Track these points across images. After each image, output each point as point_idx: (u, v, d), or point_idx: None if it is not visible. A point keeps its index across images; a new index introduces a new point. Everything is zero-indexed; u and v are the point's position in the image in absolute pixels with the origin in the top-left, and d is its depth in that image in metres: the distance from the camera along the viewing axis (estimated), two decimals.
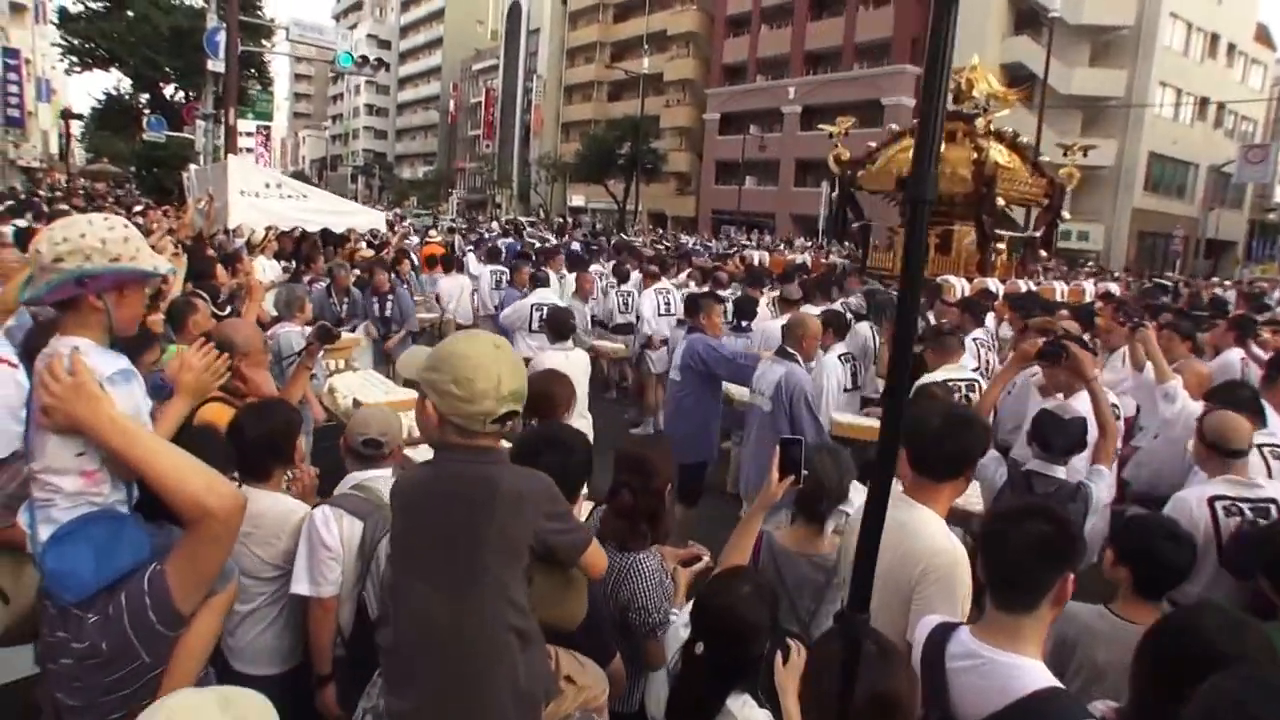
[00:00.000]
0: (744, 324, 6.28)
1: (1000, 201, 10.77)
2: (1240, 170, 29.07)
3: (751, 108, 41.91)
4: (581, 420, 5.91)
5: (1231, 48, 34.39)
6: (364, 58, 18.15)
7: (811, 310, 5.57)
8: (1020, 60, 32.51)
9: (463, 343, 1.70)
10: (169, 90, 28.66)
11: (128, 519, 1.58)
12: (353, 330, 6.96)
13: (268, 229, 9.14)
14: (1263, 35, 36.49)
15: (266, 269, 7.66)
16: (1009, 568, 1.63)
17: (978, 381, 4.38)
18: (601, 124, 49.49)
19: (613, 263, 10.78)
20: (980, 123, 10.91)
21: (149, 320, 3.72)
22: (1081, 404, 3.32)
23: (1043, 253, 12.61)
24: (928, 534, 2.02)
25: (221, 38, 15.05)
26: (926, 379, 4.25)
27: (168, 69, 26.81)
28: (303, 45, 19.10)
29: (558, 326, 5.08)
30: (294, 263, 8.62)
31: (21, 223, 8.08)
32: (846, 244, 16.67)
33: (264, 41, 22.00)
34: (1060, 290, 10.48)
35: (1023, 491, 2.91)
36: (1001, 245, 11.58)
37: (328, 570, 2.34)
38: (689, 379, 4.82)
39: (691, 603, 1.95)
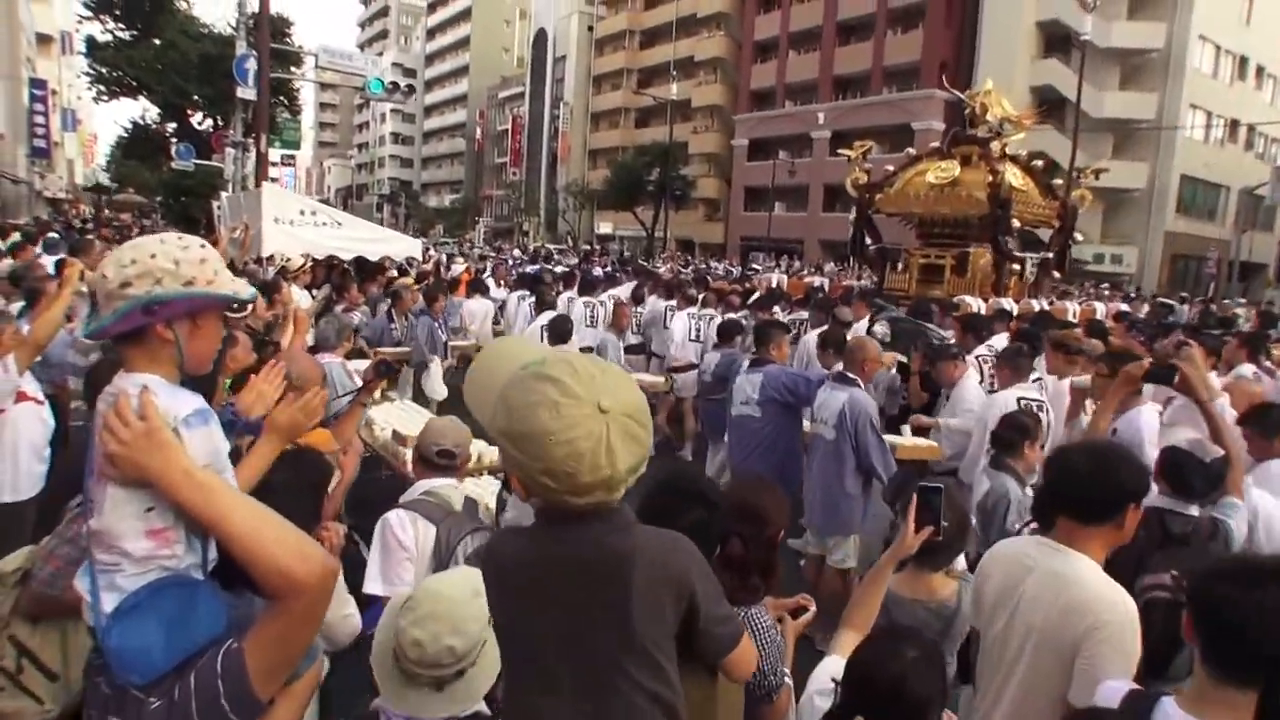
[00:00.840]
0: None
1: (1015, 223, 11.07)
2: (1274, 191, 29.46)
3: (780, 133, 42.90)
4: None
5: (1260, 70, 34.96)
6: (394, 84, 18.08)
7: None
8: (1050, 83, 33.29)
9: (546, 411, 1.23)
10: (197, 118, 28.76)
11: (202, 586, 1.37)
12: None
13: (303, 257, 9.11)
14: None
15: (299, 299, 7.38)
16: (1248, 638, 1.41)
17: (1045, 402, 4.50)
18: (629, 151, 50.03)
19: (631, 285, 11.13)
20: (995, 146, 11.20)
21: None
22: (1144, 421, 3.64)
23: (1056, 274, 13.01)
24: (1093, 584, 1.88)
25: (251, 65, 15.12)
26: (1000, 396, 4.45)
27: (196, 97, 27.02)
28: (332, 72, 19.30)
29: (558, 331, 6.33)
30: (330, 291, 8.48)
31: (49, 260, 8.15)
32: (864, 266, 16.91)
33: (292, 69, 21.50)
34: (1072, 310, 10.69)
35: (1155, 532, 2.65)
36: (1017, 266, 11.81)
37: (403, 570, 2.38)
38: (770, 412, 4.70)
39: (830, 666, 1.83)
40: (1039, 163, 12.57)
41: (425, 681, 1.66)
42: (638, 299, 9.67)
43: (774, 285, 13.56)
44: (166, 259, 1.37)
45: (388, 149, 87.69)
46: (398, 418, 5.12)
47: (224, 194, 14.84)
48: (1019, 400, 4.36)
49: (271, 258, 9.09)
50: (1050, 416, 4.49)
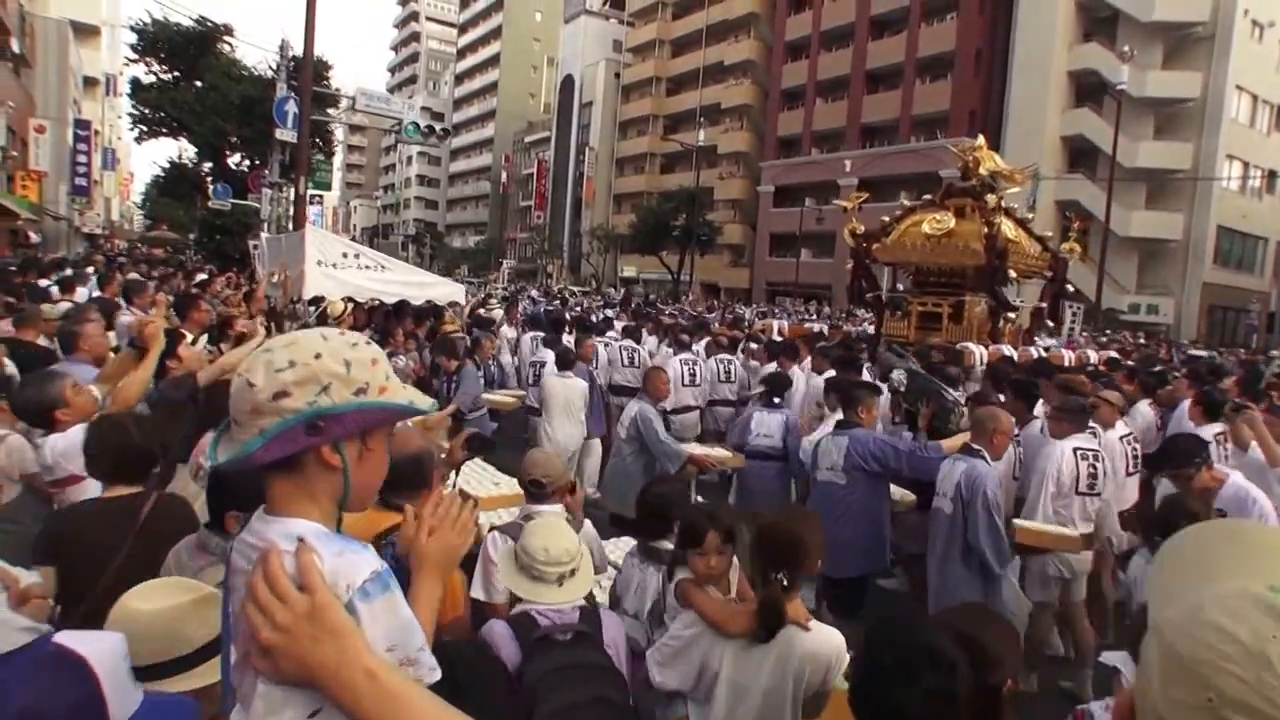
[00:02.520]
0: (776, 399, 5.99)
1: (1011, 273, 11.48)
2: None
3: (806, 180, 43.39)
4: (577, 427, 7.23)
5: None
6: (430, 127, 18.25)
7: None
8: (1082, 132, 33.57)
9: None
10: (234, 159, 29.34)
11: None
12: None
13: (345, 301, 8.98)
14: None
15: None
16: None
17: (1100, 451, 4.53)
18: (654, 196, 50.81)
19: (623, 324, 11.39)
20: (991, 199, 11.48)
21: None
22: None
23: (1050, 323, 13.53)
24: None
25: (290, 107, 15.40)
26: (1057, 446, 4.36)
27: (234, 137, 27.52)
28: (368, 115, 19.60)
29: (563, 360, 7.32)
30: (372, 335, 7.94)
31: (81, 292, 8.13)
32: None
33: (328, 111, 22.46)
34: (1068, 357, 10.82)
35: None
36: (1012, 314, 12.21)
37: (496, 580, 2.71)
38: (856, 480, 4.48)
39: None
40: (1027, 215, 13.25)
41: (551, 579, 2.28)
42: (632, 336, 9.90)
43: (775, 332, 13.67)
44: (334, 360, 1.08)
45: (413, 190, 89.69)
46: (464, 477, 4.63)
47: (263, 235, 14.82)
48: (1075, 450, 4.34)
49: (316, 300, 9.01)
50: (1107, 465, 4.50)
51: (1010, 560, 3.93)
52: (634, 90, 59.61)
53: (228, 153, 28.94)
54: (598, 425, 7.56)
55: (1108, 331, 25.84)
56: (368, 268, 9.41)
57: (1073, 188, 33.58)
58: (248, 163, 28.39)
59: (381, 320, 9.17)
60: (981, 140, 12.76)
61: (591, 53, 61.45)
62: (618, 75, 60.22)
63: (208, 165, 29.84)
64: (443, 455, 3.00)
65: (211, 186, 26.62)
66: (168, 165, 31.85)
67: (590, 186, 60.03)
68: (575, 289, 41.32)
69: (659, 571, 2.84)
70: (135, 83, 28.73)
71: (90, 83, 42.20)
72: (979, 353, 9.18)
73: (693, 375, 8.20)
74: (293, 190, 16.59)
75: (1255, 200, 33.52)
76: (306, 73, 14.87)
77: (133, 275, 12.24)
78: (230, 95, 26.36)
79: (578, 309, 20.34)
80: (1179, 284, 32.22)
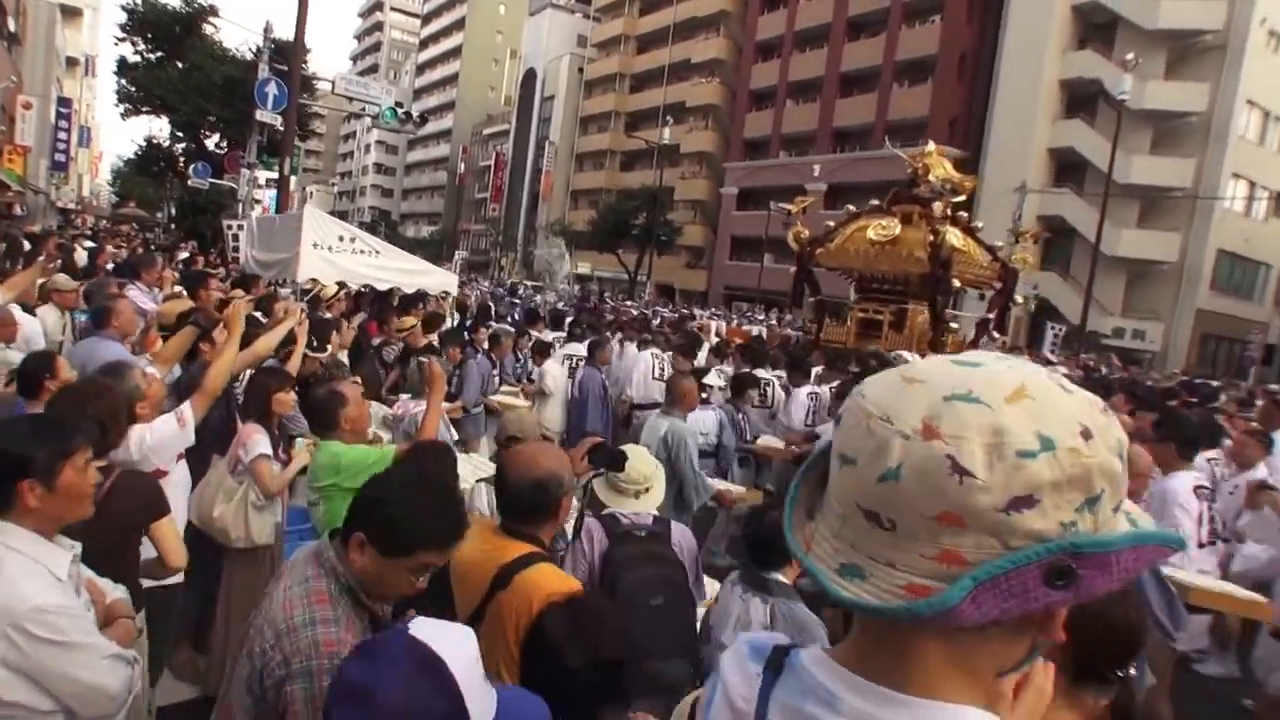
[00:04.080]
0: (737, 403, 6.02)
1: (955, 283, 10.84)
2: None
3: (772, 183, 38.11)
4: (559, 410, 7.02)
5: None
6: (407, 114, 16.92)
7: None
8: (1071, 145, 28.96)
9: None
10: (213, 139, 28.11)
11: None
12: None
13: (337, 285, 8.27)
14: None
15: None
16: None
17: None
18: (613, 193, 46.50)
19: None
20: (938, 207, 10.78)
21: (277, 398, 3.39)
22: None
23: (996, 334, 12.80)
24: None
25: (272, 89, 14.69)
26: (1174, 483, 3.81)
27: (214, 117, 26.17)
28: (351, 99, 17.53)
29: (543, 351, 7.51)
30: (365, 321, 8.10)
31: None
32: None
33: (306, 94, 20.32)
34: None
35: None
36: (955, 325, 11.76)
37: None
38: None
39: None
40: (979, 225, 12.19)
41: (630, 493, 2.66)
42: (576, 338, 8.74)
43: (715, 335, 12.79)
44: (1107, 444, 0.57)
45: (370, 178, 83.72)
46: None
47: (253, 214, 14.10)
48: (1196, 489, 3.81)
49: (310, 284, 8.20)
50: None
51: (1184, 621, 2.99)
52: (597, 86, 53.85)
53: (207, 133, 27.90)
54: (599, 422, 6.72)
55: (1091, 356, 21.53)
56: (362, 252, 8.27)
57: (1058, 202, 28.98)
58: (226, 143, 27.04)
59: (378, 307, 8.62)
60: (932, 146, 11.74)
61: (555, 47, 55.75)
62: (581, 70, 54.65)
63: (181, 145, 28.86)
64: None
65: (190, 166, 25.35)
66: (144, 143, 30.18)
67: (548, 181, 54.33)
68: (529, 283, 36.93)
69: (765, 604, 2.46)
70: (122, 61, 27.15)
71: (72, 63, 41.42)
72: (914, 360, 5.79)
73: (662, 370, 7.26)
74: (263, 173, 16.75)
75: (1260, 223, 28.98)
76: (297, 56, 14.62)
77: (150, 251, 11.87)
78: (213, 76, 25.17)
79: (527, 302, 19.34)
80: (1170, 309, 27.76)
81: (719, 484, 5.17)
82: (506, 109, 64.54)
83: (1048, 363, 13.05)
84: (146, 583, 2.35)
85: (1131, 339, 27.95)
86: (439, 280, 9.40)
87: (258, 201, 19.55)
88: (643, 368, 7.39)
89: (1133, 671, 1.59)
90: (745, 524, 2.67)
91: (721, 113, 44.20)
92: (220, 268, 11.96)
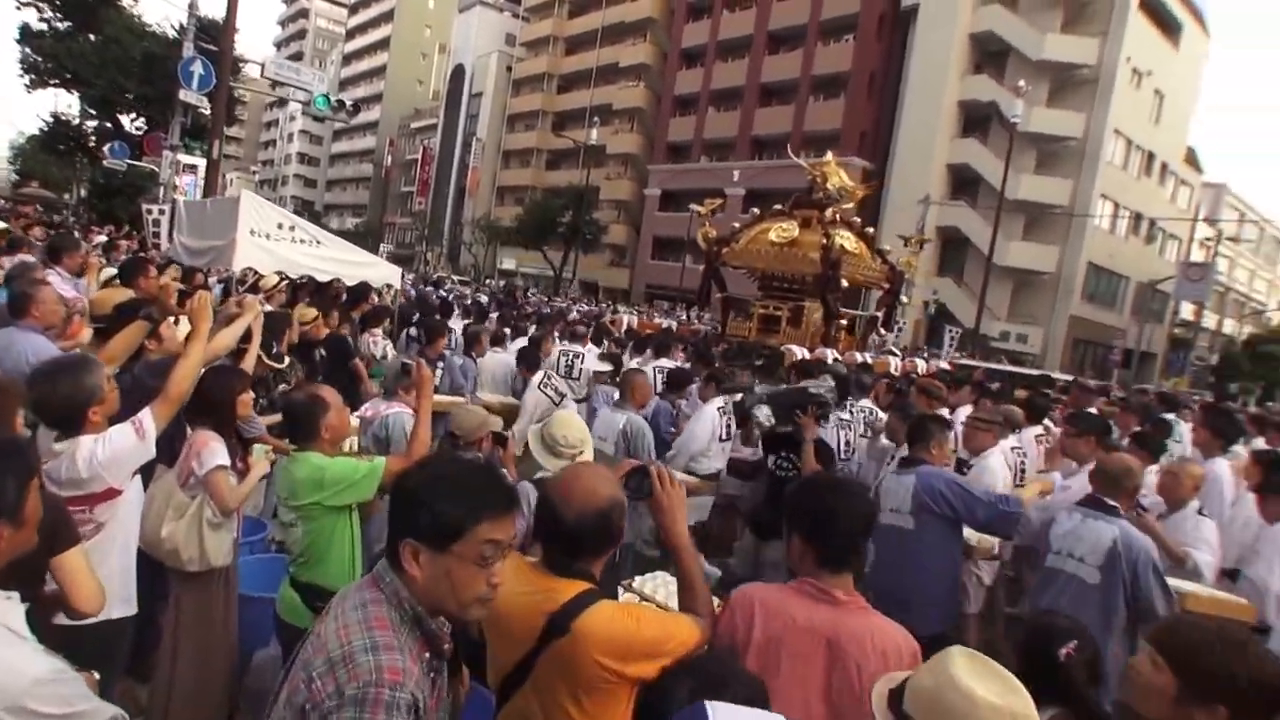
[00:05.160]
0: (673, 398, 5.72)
1: (844, 283, 11.19)
2: (1180, 287, 27.13)
3: (694, 186, 38.34)
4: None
5: (1164, 167, 33.20)
6: (340, 102, 15.75)
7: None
8: (967, 161, 30.35)
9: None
10: (128, 119, 25.90)
11: None
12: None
13: (277, 275, 7.53)
14: (1191, 158, 35.76)
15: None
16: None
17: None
18: (538, 191, 45.79)
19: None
20: (829, 212, 11.12)
21: (242, 401, 2.98)
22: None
23: (883, 330, 13.45)
24: None
25: (198, 68, 13.54)
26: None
27: (131, 95, 24.15)
28: (282, 84, 16.36)
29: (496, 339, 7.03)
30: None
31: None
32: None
33: (231, 76, 18.57)
34: (893, 364, 10.57)
35: None
36: (844, 321, 12.13)
37: None
38: (926, 524, 3.38)
39: None
40: (871, 230, 13.21)
41: (566, 457, 2.64)
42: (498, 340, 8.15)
43: (625, 327, 12.89)
44: None
45: (293, 168, 79.57)
46: None
47: (179, 199, 12.59)
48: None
49: (246, 274, 7.46)
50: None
51: None
52: (525, 85, 52.92)
53: (124, 111, 25.66)
54: None
55: (976, 357, 22.66)
56: (303, 241, 7.43)
57: (954, 214, 30.31)
58: (144, 124, 25.01)
59: (319, 299, 7.58)
60: (830, 156, 12.38)
61: (484, 44, 54.49)
62: (509, 69, 53.56)
63: (97, 123, 26.67)
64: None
65: (106, 145, 22.82)
66: (51, 119, 27.60)
67: (475, 177, 53.09)
68: (455, 278, 35.86)
69: None
70: (26, 29, 24.92)
71: None
72: (800, 354, 8.86)
73: (569, 367, 6.92)
74: (185, 157, 15.44)
75: (1122, 240, 31.26)
76: (228, 33, 13.51)
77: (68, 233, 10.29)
78: (132, 51, 23.23)
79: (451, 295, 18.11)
80: (1048, 315, 29.53)
81: (683, 477, 4.75)
82: (434, 104, 62.78)
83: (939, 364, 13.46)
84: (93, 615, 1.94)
85: (1015, 342, 29.56)
86: (383, 273, 8.66)
87: (175, 187, 17.67)
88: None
89: None
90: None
91: (646, 116, 44.18)
92: (141, 253, 11.03)
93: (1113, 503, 3.13)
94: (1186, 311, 36.21)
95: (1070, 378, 16.14)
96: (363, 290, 8.31)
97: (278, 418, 4.36)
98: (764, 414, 4.60)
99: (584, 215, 37.07)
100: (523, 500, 2.54)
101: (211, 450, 2.73)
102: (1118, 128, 28.74)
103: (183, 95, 14.05)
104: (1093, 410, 6.24)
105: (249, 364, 3.48)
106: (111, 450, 2.19)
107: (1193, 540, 3.50)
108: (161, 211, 11.96)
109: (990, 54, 30.71)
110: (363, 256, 8.51)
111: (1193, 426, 6.14)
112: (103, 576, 1.99)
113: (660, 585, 3.09)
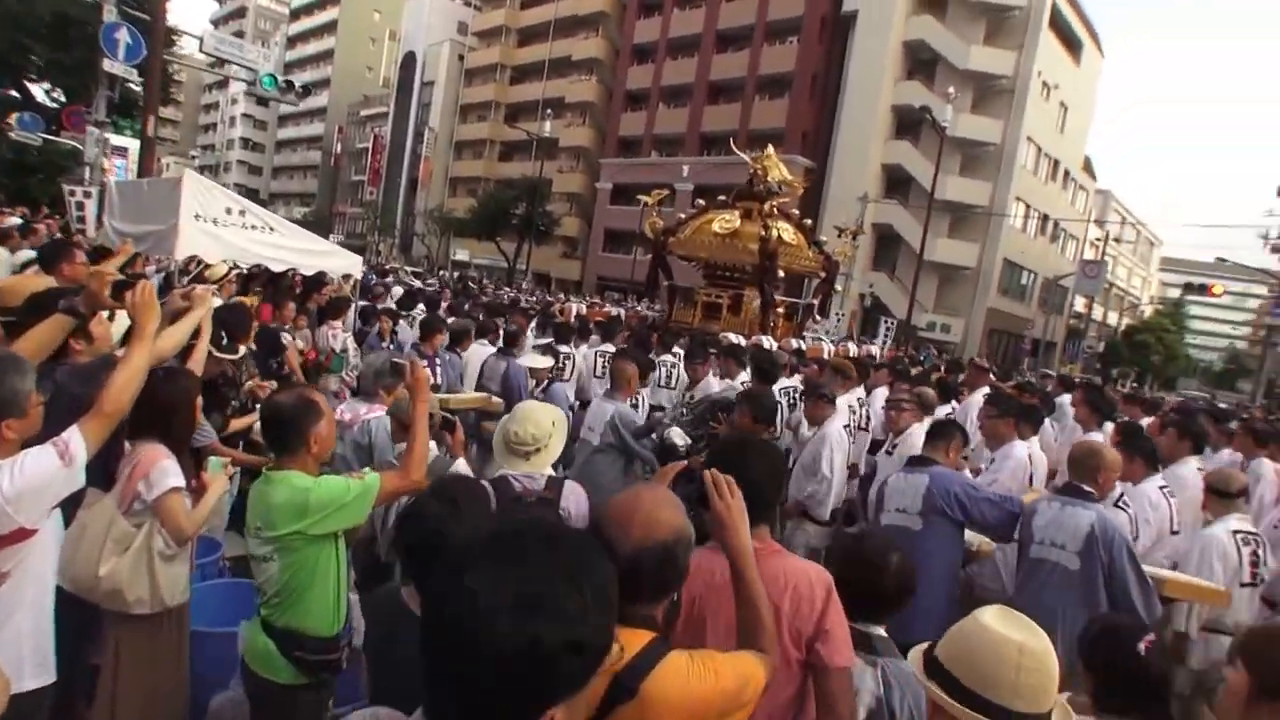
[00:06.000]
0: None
1: (780, 273, 11.60)
2: (1079, 283, 29.32)
3: (644, 180, 38.62)
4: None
5: (1066, 173, 35.84)
6: (288, 83, 14.35)
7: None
8: (900, 162, 31.89)
9: None
10: (40, 88, 23.21)
11: None
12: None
13: (225, 264, 6.85)
14: (1088, 166, 38.53)
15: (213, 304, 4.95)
16: None
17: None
18: (491, 182, 45.58)
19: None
20: (769, 205, 11.49)
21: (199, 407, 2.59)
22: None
23: (818, 316, 13.95)
24: None
25: (124, 36, 12.02)
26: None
27: (38, 58, 21.37)
28: (223, 61, 14.66)
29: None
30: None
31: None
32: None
33: (164, 49, 16.35)
34: (827, 350, 10.95)
35: None
36: (781, 309, 12.46)
37: None
38: (933, 525, 3.26)
39: None
40: (808, 221, 13.61)
41: (520, 454, 2.52)
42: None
43: (574, 314, 12.88)
44: None
45: (236, 153, 76.48)
46: None
47: (112, 179, 11.80)
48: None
49: (190, 264, 6.73)
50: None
51: (1157, 614, 3.04)
52: (477, 75, 52.45)
53: (33, 79, 22.73)
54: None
55: (912, 347, 24.31)
56: (254, 228, 6.87)
57: (888, 212, 31.87)
58: (61, 95, 22.57)
59: (273, 290, 7.40)
60: (771, 150, 12.68)
61: (435, 32, 53.69)
62: (462, 58, 52.87)
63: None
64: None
65: (15, 116, 20.26)
66: None
67: (427, 167, 52.47)
68: (407, 268, 35.42)
69: (872, 667, 1.81)
70: None
71: None
72: (739, 342, 9.00)
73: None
74: (114, 136, 14.45)
75: (1031, 239, 33.55)
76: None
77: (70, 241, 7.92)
78: (38, 9, 20.30)
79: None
80: (968, 307, 31.51)
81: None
82: (384, 91, 61.54)
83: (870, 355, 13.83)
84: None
85: (940, 332, 31.45)
86: (342, 263, 8.11)
87: (104, 170, 15.89)
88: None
89: None
90: (838, 566, 1.94)
91: (598, 111, 44.56)
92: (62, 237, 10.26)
93: (1088, 488, 3.13)
94: (1080, 305, 39.18)
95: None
96: (320, 280, 7.72)
97: (249, 420, 3.95)
98: (678, 435, 4.53)
99: (537, 208, 37.31)
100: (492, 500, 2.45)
101: (162, 469, 2.28)
102: (1030, 135, 30.84)
103: (107, 66, 12.51)
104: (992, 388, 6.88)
105: (197, 362, 2.90)
106: (25, 479, 1.64)
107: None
108: (87, 194, 10.89)
109: (921, 61, 32.32)
110: (320, 245, 8.00)
111: (1072, 401, 6.99)
112: (5, 641, 1.67)
113: None
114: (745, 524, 1.48)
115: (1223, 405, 16.91)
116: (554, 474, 2.60)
